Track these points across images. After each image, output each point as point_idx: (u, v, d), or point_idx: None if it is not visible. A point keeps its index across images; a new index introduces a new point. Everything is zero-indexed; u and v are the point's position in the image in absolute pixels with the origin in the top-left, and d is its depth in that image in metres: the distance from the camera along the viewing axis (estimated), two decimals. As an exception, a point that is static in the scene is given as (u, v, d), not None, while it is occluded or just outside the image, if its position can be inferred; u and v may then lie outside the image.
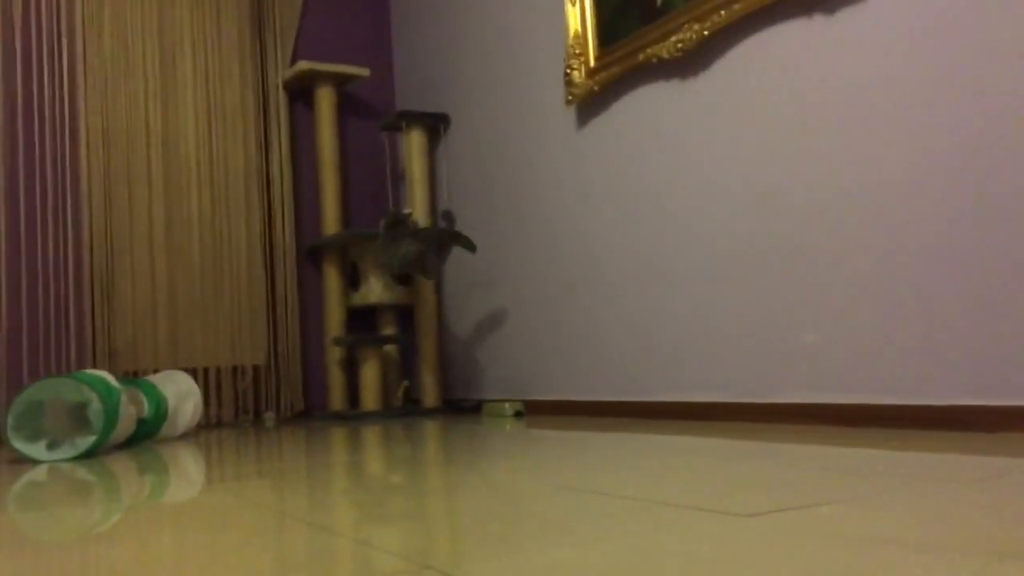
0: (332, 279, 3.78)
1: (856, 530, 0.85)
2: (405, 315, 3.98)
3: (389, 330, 3.83)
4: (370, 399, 3.64)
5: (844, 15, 2.11)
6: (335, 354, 3.74)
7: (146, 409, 2.60)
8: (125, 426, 2.43)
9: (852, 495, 1.07)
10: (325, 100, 3.86)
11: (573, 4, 2.98)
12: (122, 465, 2.08)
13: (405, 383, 3.41)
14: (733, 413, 2.40)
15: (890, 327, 2.01)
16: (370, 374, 3.66)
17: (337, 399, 3.74)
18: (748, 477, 1.27)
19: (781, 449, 1.65)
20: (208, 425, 3.54)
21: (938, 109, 1.92)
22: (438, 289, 3.83)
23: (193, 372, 3.55)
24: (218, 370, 3.64)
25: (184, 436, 2.95)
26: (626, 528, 0.92)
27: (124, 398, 2.41)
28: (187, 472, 1.89)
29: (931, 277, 1.93)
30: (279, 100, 3.90)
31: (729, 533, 0.87)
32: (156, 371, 3.46)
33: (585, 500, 1.13)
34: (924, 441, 1.67)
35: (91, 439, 2.28)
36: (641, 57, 2.67)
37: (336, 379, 3.75)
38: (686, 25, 2.50)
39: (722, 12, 2.39)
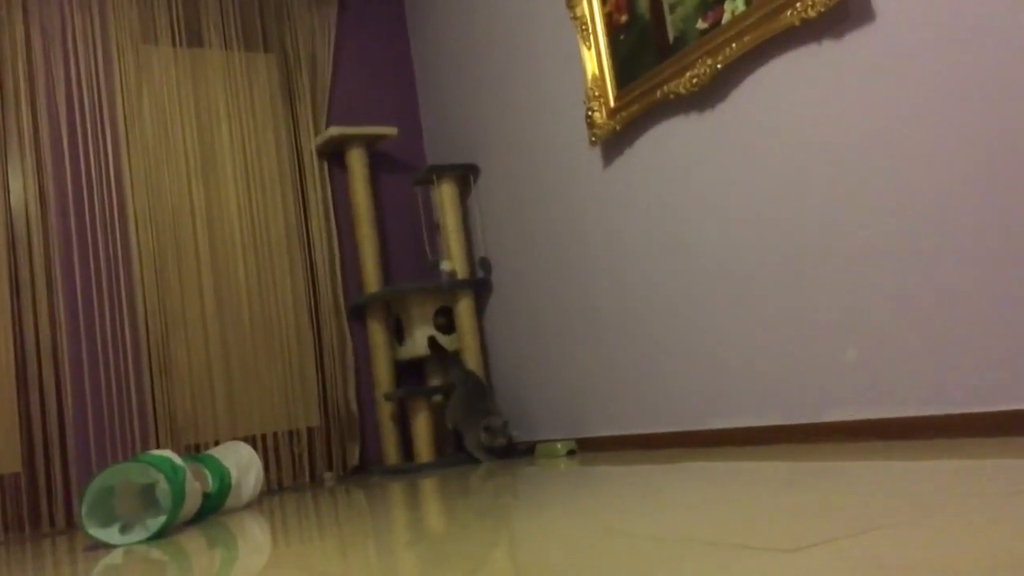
0: (377, 334, 3.85)
1: (900, 559, 0.87)
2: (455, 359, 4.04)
3: (436, 380, 3.88)
4: (424, 450, 3.69)
5: (852, 39, 2.14)
6: (387, 409, 3.81)
7: (210, 483, 2.68)
8: (192, 503, 2.51)
9: (899, 519, 1.08)
10: (357, 161, 3.97)
11: (589, 48, 3.04)
12: (193, 542, 2.15)
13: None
14: (782, 435, 2.40)
15: (928, 337, 2.01)
16: (422, 425, 3.71)
17: (392, 453, 3.80)
18: (794, 505, 1.28)
19: (829, 470, 1.66)
20: (270, 491, 3.62)
21: (954, 125, 1.93)
22: (481, 334, 3.89)
23: (252, 439, 3.64)
24: (275, 435, 3.72)
25: (248, 505, 3.02)
26: (670, 572, 0.95)
27: (189, 475, 2.49)
28: (255, 543, 1.95)
29: (966, 285, 1.93)
30: (314, 164, 4.02)
31: (770, 572, 0.89)
32: (217, 442, 3.55)
33: (634, 545, 1.16)
34: (973, 449, 1.66)
35: (161, 519, 2.36)
36: (659, 94, 2.72)
37: (390, 433, 3.81)
38: (699, 60, 2.55)
39: (733, 45, 2.43)
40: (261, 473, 2.99)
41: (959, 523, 1.05)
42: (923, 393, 2.03)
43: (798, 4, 2.20)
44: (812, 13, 2.16)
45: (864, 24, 2.11)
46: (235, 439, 3.48)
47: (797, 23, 2.21)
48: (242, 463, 2.92)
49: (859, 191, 2.16)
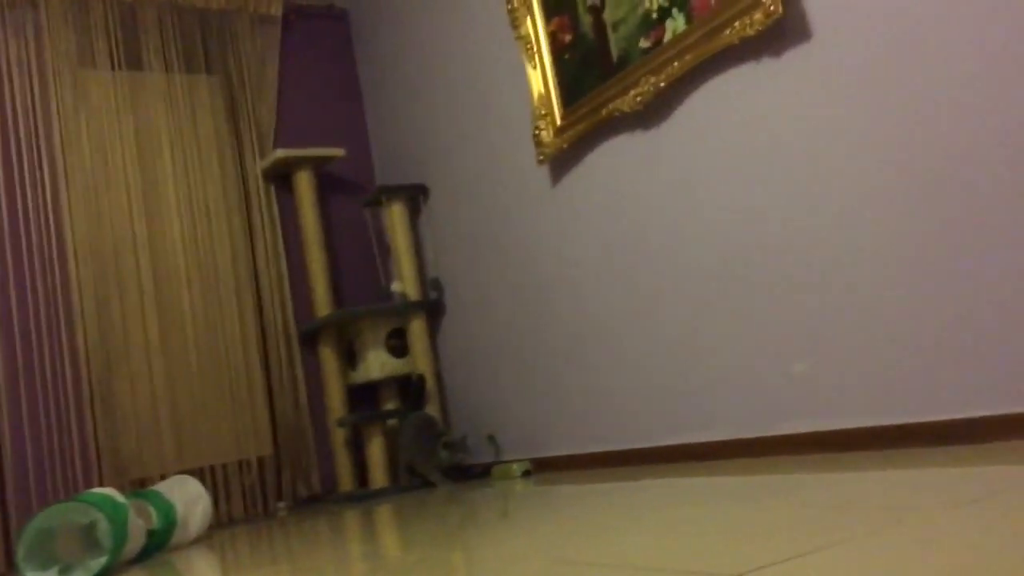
0: (329, 360, 3.79)
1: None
2: (407, 387, 3.98)
3: (391, 404, 3.83)
4: (379, 476, 3.63)
5: (790, 57, 2.16)
6: (340, 435, 3.74)
7: (155, 520, 2.60)
8: (136, 541, 2.43)
9: (842, 536, 1.08)
10: (305, 183, 3.92)
11: (534, 67, 3.04)
12: (135, 583, 2.08)
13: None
14: (733, 450, 2.40)
15: (875, 350, 2.03)
16: (376, 451, 3.66)
17: (347, 480, 3.73)
18: (745, 523, 1.27)
19: (780, 484, 1.65)
20: (220, 524, 3.53)
21: (892, 139, 1.95)
22: (435, 356, 3.85)
23: (200, 472, 3.55)
24: (225, 467, 3.63)
25: (197, 541, 2.94)
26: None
27: (132, 513, 2.41)
28: (199, 584, 1.89)
29: (914, 296, 1.95)
30: (259, 188, 3.96)
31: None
32: (163, 477, 3.46)
33: (578, 573, 1.14)
34: (917, 459, 1.67)
35: (103, 560, 2.28)
36: (604, 113, 2.73)
37: (344, 460, 3.75)
38: (643, 78, 2.56)
39: (675, 63, 2.44)
40: (209, 507, 2.91)
41: (908, 538, 1.04)
42: (871, 404, 2.05)
43: (737, 23, 2.22)
44: (751, 32, 2.18)
45: (801, 42, 2.14)
46: (183, 472, 3.38)
47: (736, 41, 2.23)
48: (189, 497, 2.84)
49: (801, 207, 2.18)
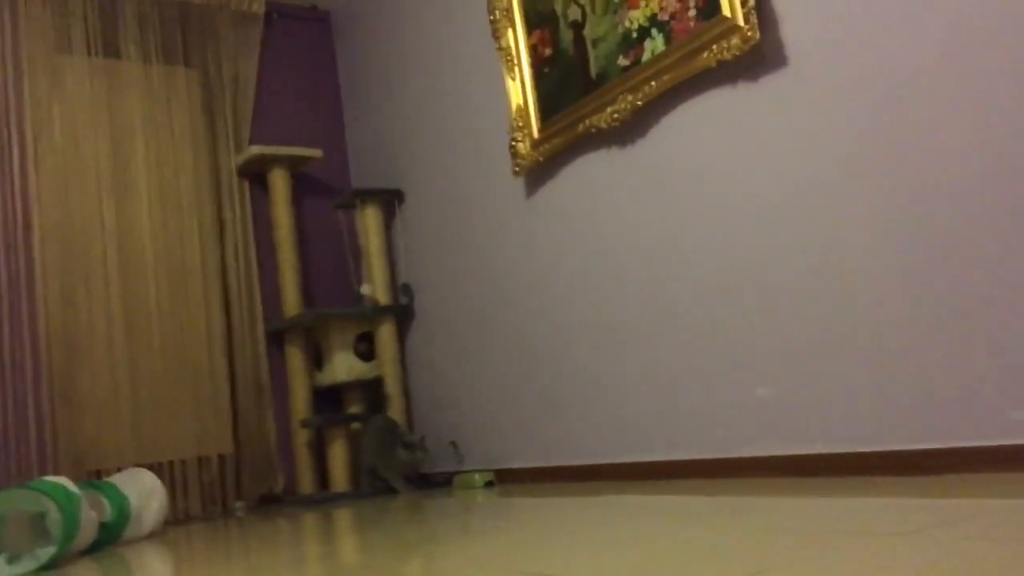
0: (295, 360, 3.77)
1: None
2: (373, 391, 3.97)
3: (356, 408, 3.82)
4: (340, 480, 3.62)
5: (766, 82, 2.20)
6: (303, 436, 3.72)
7: (108, 512, 2.57)
8: (87, 532, 2.40)
9: (790, 559, 1.09)
10: (279, 182, 3.90)
11: (514, 79, 3.06)
12: (84, 573, 2.05)
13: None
14: (699, 469, 2.42)
15: (838, 377, 2.06)
16: (339, 454, 3.64)
17: (307, 482, 3.70)
18: (695, 543, 1.29)
19: (736, 505, 1.67)
20: (176, 520, 3.49)
21: (864, 167, 1.99)
22: (402, 362, 3.84)
23: (159, 467, 3.51)
24: (184, 463, 3.59)
25: (151, 536, 2.90)
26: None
27: (84, 503, 2.38)
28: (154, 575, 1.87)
29: (875, 327, 1.98)
30: (233, 184, 3.93)
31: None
32: (120, 470, 3.41)
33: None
34: (877, 488, 1.70)
35: (51, 550, 2.24)
36: (581, 128, 2.75)
37: (305, 462, 3.72)
38: (621, 96, 2.59)
39: (653, 83, 2.47)
40: (164, 502, 2.88)
41: (848, 563, 1.06)
42: (832, 431, 2.08)
43: (715, 46, 2.25)
44: (728, 56, 2.21)
45: (778, 68, 2.17)
46: (141, 466, 3.34)
47: (714, 65, 2.26)
48: (144, 491, 2.81)
49: (771, 231, 2.21)
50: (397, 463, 3.40)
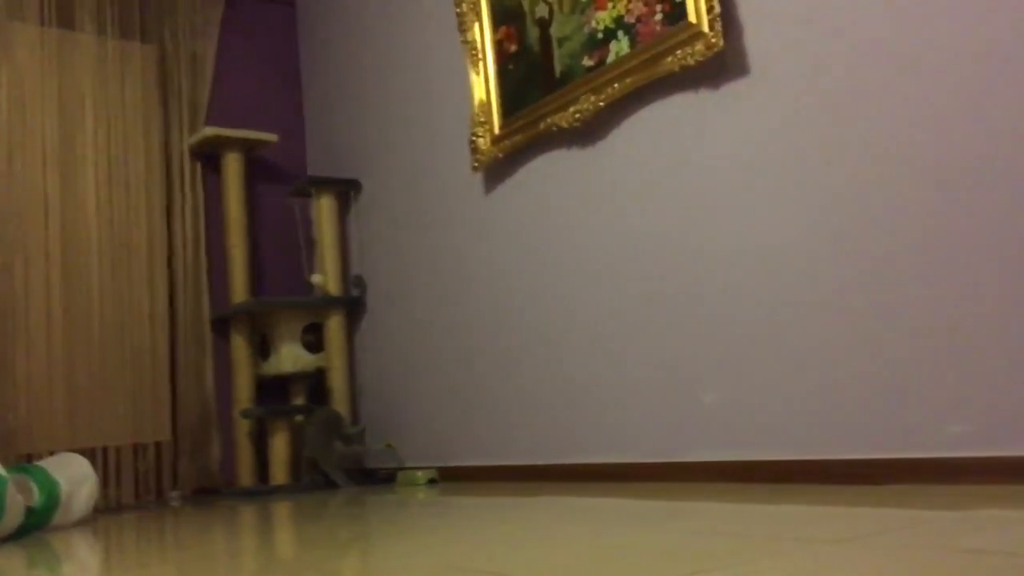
0: (240, 348, 3.69)
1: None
2: (319, 383, 3.90)
3: (301, 400, 3.75)
4: (280, 473, 3.55)
5: (727, 90, 2.20)
6: (243, 427, 3.64)
7: (36, 497, 2.48)
8: (13, 517, 2.31)
9: (728, 562, 1.08)
10: (233, 166, 3.82)
11: (478, 73, 3.03)
12: (10, 561, 1.97)
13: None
14: (644, 473, 2.41)
15: (785, 384, 2.06)
16: (280, 447, 3.57)
17: (246, 474, 3.63)
18: (634, 545, 1.27)
19: (679, 509, 1.67)
20: (108, 509, 3.39)
21: (820, 177, 2.00)
22: (351, 356, 3.78)
23: (92, 452, 3.40)
24: (118, 449, 3.49)
25: (80, 523, 2.81)
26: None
27: (12, 487, 2.30)
28: (82, 564, 1.80)
29: (825, 335, 1.99)
30: (184, 165, 3.84)
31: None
32: (52, 454, 3.30)
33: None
34: (818, 495, 1.70)
35: (-28, 534, 2.16)
36: (542, 126, 2.73)
37: (245, 453, 3.65)
38: (583, 96, 2.57)
39: (616, 84, 2.46)
40: (96, 489, 2.79)
41: (784, 568, 1.05)
42: (774, 439, 2.08)
43: (679, 51, 2.25)
44: (691, 61, 2.21)
45: (739, 77, 2.17)
46: (74, 451, 3.24)
47: (677, 69, 2.26)
48: (75, 477, 2.71)
49: (725, 238, 2.21)
50: (336, 456, 3.34)
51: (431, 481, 3.17)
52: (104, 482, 3.42)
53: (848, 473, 1.91)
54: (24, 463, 3.21)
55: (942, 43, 1.79)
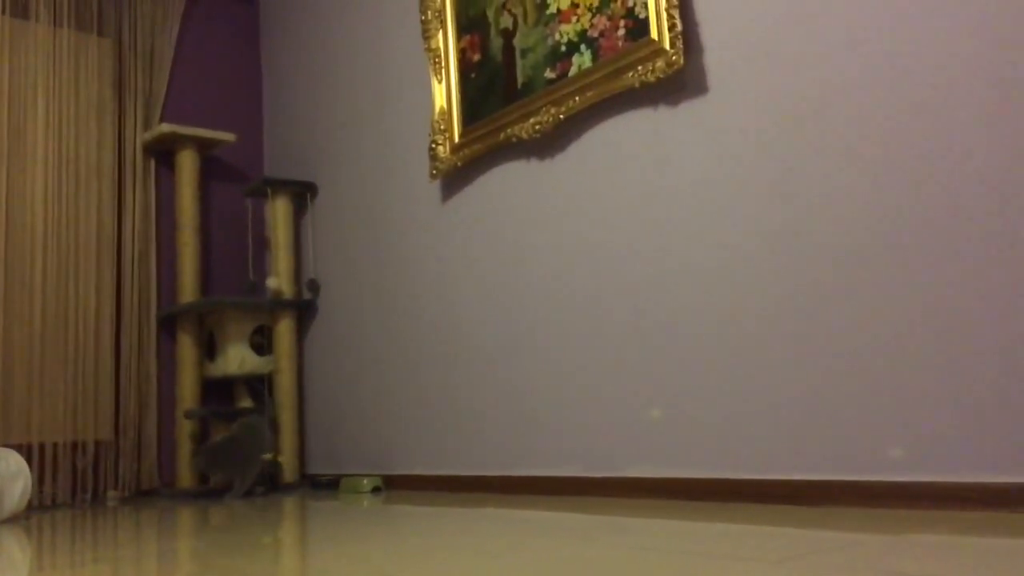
0: (186, 348, 3.63)
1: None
2: (265, 386, 3.84)
3: (246, 402, 3.69)
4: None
5: (685, 108, 2.23)
6: (186, 428, 3.57)
7: (-35, 492, 2.40)
8: (-62, 512, 2.23)
9: (672, 583, 1.09)
10: (187, 163, 3.76)
11: (440, 81, 3.03)
12: (-72, 557, 1.90)
13: (272, 456, 3.35)
14: (587, 487, 2.42)
15: (727, 403, 2.09)
16: (224, 449, 3.50)
17: (187, 476, 3.55)
18: (573, 558, 1.27)
19: (614, 525, 1.67)
20: (42, 506, 3.30)
21: (774, 194, 2.04)
22: (299, 359, 3.74)
23: (27, 448, 3.31)
24: (55, 446, 3.40)
25: (12, 520, 2.73)
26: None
27: (-62, 481, 2.22)
28: (11, 562, 1.74)
29: (768, 356, 2.02)
30: (137, 161, 3.77)
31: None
32: (-16, 448, 3.20)
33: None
34: (756, 515, 1.72)
35: None
36: (502, 136, 2.74)
37: (187, 454, 3.57)
38: (544, 108, 2.59)
39: (577, 98, 2.48)
40: (29, 485, 2.71)
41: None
42: (717, 457, 2.10)
43: (640, 67, 2.27)
44: (651, 78, 2.24)
45: (698, 95, 2.21)
46: (7, 446, 3.15)
47: (637, 85, 2.28)
48: (8, 472, 2.64)
49: (678, 254, 2.23)
50: (254, 472, 3.27)
51: (375, 489, 3.14)
52: (40, 479, 3.32)
53: (786, 494, 1.94)
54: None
55: (900, 62, 1.83)
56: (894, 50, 1.83)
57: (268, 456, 3.30)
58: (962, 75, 1.73)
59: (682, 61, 2.17)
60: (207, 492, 3.40)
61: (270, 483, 3.40)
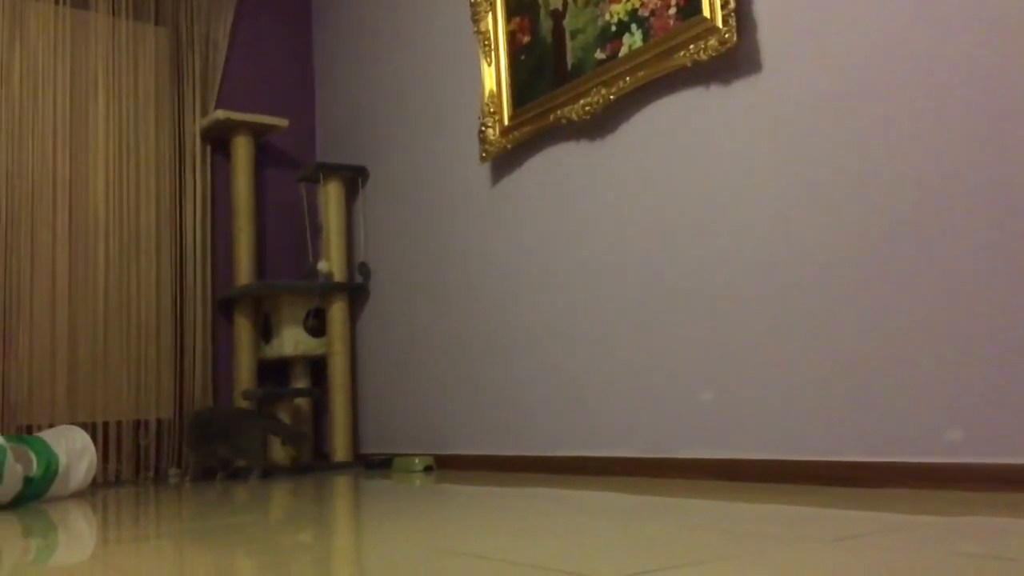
0: (243, 330, 3.71)
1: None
2: (319, 368, 3.92)
3: (301, 383, 3.77)
4: (280, 453, 3.56)
5: (738, 87, 2.20)
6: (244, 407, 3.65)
7: (35, 467, 2.50)
8: (10, 485, 2.32)
9: (715, 555, 1.09)
10: (242, 150, 3.83)
11: (489, 63, 3.04)
12: (6, 528, 1.98)
13: (284, 441, 3.44)
14: (639, 468, 2.42)
15: (780, 385, 2.07)
16: (280, 429, 3.58)
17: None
18: (625, 536, 1.28)
19: (668, 505, 1.67)
20: (106, 483, 3.41)
21: (827, 179, 2.00)
22: (352, 342, 3.79)
23: (92, 427, 3.42)
24: (119, 424, 3.51)
25: (77, 495, 2.83)
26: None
27: (10, 456, 2.31)
28: (77, 535, 1.81)
29: (820, 338, 1.99)
30: (195, 149, 3.86)
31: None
32: (51, 426, 3.32)
33: (461, 564, 1.13)
34: (810, 496, 1.71)
35: (-29, 500, 2.17)
36: (552, 118, 2.73)
37: (245, 434, 3.65)
38: (594, 89, 2.58)
39: (627, 78, 2.47)
40: (94, 462, 2.81)
41: (764, 565, 1.06)
42: (773, 439, 2.09)
43: (691, 46, 2.25)
44: (704, 56, 2.21)
45: (751, 74, 2.18)
46: (73, 424, 3.26)
47: (689, 64, 2.26)
48: (74, 449, 2.73)
49: (731, 236, 2.21)
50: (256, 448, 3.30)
51: (427, 468, 3.18)
52: (104, 456, 3.44)
53: (840, 476, 1.92)
54: (23, 434, 3.23)
55: (960, 35, 1.79)
56: (955, 22, 1.79)
57: (280, 440, 3.38)
58: (1026, 47, 1.67)
59: (735, 39, 2.14)
60: (267, 470, 3.47)
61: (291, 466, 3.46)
